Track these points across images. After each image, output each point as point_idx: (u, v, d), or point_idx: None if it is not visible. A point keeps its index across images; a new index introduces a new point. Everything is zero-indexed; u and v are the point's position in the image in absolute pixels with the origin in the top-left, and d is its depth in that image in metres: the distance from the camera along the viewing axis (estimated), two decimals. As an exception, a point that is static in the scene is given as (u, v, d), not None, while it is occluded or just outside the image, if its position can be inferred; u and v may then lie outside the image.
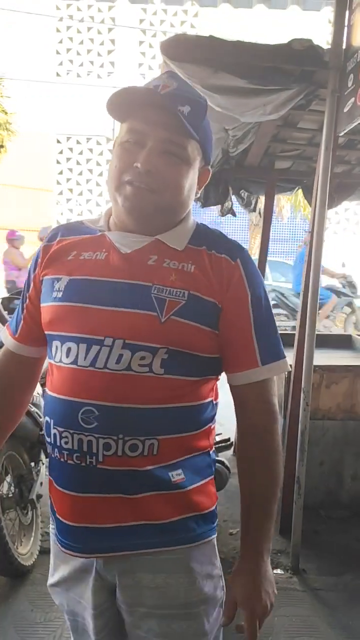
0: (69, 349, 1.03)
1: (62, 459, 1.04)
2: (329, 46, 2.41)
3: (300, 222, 15.15)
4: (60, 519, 1.07)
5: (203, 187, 1.15)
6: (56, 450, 1.04)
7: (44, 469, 2.73)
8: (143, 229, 1.06)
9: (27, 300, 1.17)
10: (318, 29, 14.41)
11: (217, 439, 2.94)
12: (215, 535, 1.13)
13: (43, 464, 2.73)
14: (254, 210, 4.54)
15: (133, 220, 1.06)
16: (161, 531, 1.04)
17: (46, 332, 1.09)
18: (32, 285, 1.16)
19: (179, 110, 1.01)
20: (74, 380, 1.02)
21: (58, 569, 1.15)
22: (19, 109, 13.22)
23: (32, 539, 2.61)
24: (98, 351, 1.00)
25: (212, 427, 1.13)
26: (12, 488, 2.53)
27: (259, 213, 4.69)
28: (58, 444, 1.03)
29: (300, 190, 4.39)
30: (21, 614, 2.26)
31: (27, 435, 2.56)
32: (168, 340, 1.00)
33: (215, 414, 1.14)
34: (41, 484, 2.68)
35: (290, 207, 13.67)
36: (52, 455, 1.07)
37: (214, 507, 1.12)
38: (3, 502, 2.37)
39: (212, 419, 1.13)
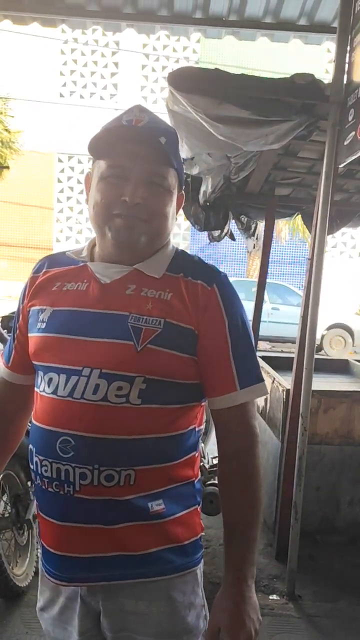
0: (50, 379, 1.05)
1: (43, 487, 1.06)
2: (329, 76, 2.49)
3: (298, 245, 15.29)
4: (44, 545, 1.09)
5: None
6: (38, 477, 1.07)
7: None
8: (127, 258, 1.08)
9: (18, 330, 1.20)
10: (316, 58, 14.72)
11: (214, 461, 2.95)
12: (199, 565, 1.12)
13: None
14: (253, 234, 4.61)
15: (121, 251, 1.08)
16: (138, 562, 1.04)
17: (32, 362, 1.12)
18: (21, 315, 1.19)
19: (158, 141, 1.04)
20: (53, 409, 1.04)
21: (43, 593, 1.16)
22: (22, 128, 13.40)
23: (27, 559, 2.59)
24: (76, 381, 1.01)
25: (195, 455, 1.13)
26: (9, 508, 2.52)
27: (256, 238, 4.76)
28: (39, 471, 1.05)
29: (299, 215, 4.47)
30: (16, 636, 2.24)
31: (24, 454, 2.55)
32: (144, 369, 1.01)
33: (198, 441, 1.14)
34: (38, 504, 2.67)
35: (288, 230, 13.81)
36: (35, 482, 1.09)
37: (196, 538, 1.12)
38: None
39: (195, 447, 1.13)
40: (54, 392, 1.04)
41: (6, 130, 13.04)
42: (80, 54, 17.68)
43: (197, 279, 1.08)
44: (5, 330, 3.60)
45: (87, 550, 1.03)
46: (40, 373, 1.09)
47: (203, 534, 1.15)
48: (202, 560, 1.15)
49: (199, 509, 1.14)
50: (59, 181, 17.88)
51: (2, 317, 4.11)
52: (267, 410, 3.24)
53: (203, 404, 1.14)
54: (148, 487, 1.04)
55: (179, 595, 1.08)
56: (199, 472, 1.16)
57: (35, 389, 1.12)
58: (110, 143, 1.06)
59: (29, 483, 2.65)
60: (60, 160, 17.80)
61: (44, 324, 1.08)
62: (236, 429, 1.08)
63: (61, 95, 17.61)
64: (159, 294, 1.06)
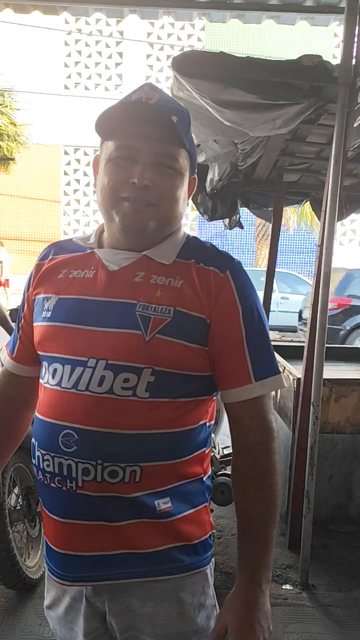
0: (55, 370, 1.01)
1: (45, 482, 1.02)
2: (336, 59, 2.43)
3: (306, 233, 15.18)
4: (47, 542, 1.06)
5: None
6: (40, 472, 1.03)
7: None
8: (136, 245, 1.04)
9: (22, 320, 1.16)
10: (323, 44, 14.54)
11: (225, 452, 2.94)
12: (209, 565, 1.08)
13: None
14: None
15: (129, 237, 1.04)
16: (146, 561, 1.00)
17: (37, 352, 1.08)
18: (26, 304, 1.14)
19: (170, 119, 0.99)
20: (57, 402, 1.00)
21: (50, 591, 1.13)
22: (28, 121, 13.37)
23: (39, 551, 2.60)
24: (81, 373, 0.97)
25: (205, 451, 1.08)
26: (20, 500, 2.52)
27: (269, 220, 4.69)
28: (41, 466, 1.01)
29: (307, 202, 4.41)
30: (29, 627, 2.24)
31: (35, 447, 2.56)
32: (153, 360, 0.96)
33: (208, 436, 1.09)
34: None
35: (296, 218, 13.71)
36: (38, 477, 1.05)
37: (206, 537, 1.07)
38: (11, 514, 2.36)
39: (205, 442, 1.07)
40: (58, 383, 1.00)
41: (12, 123, 13.01)
42: (84, 44, 17.57)
43: (210, 265, 1.03)
44: (15, 323, 3.60)
45: (91, 549, 0.99)
46: (45, 364, 1.05)
47: (214, 531, 1.11)
48: (213, 560, 1.10)
49: (208, 507, 1.10)
50: (66, 174, 17.85)
51: (11, 310, 4.12)
52: (278, 400, 3.22)
53: (214, 397, 1.09)
54: (155, 485, 0.99)
55: (188, 596, 1.03)
56: (209, 468, 1.11)
57: (40, 380, 1.08)
58: (118, 122, 1.01)
59: (38, 479, 2.65)
60: (66, 153, 17.76)
61: (49, 312, 1.04)
62: (251, 423, 1.03)
63: (66, 87, 17.54)
64: (168, 281, 1.01)
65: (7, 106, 13.03)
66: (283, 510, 3.01)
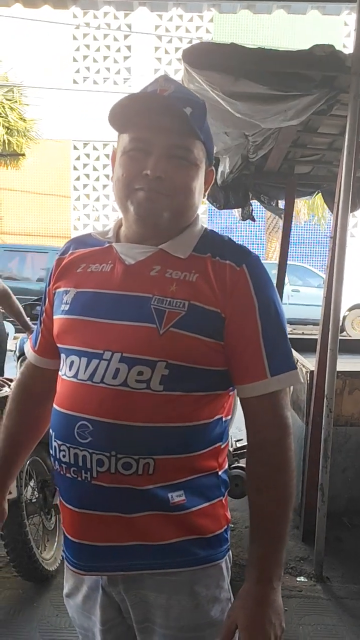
0: (72, 362, 1.03)
1: (61, 472, 1.03)
2: (347, 49, 2.41)
3: (317, 226, 15.07)
4: (65, 532, 1.08)
5: (209, 189, 1.14)
6: (57, 462, 1.04)
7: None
8: (152, 237, 1.04)
9: (44, 313, 1.18)
10: (333, 35, 14.37)
11: (238, 444, 2.94)
12: (224, 558, 1.08)
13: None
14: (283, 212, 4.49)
15: (145, 227, 1.04)
16: (159, 553, 1.00)
17: (56, 344, 1.10)
18: (47, 298, 1.16)
19: (183, 111, 0.99)
20: (73, 393, 1.02)
21: (68, 580, 1.14)
22: (37, 117, 13.37)
23: (55, 544, 2.63)
24: (97, 365, 0.99)
25: (221, 446, 1.07)
26: (36, 493, 2.55)
27: (280, 216, 4.67)
28: (58, 456, 1.03)
29: (319, 194, 4.38)
30: (46, 619, 2.27)
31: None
32: (167, 354, 0.97)
33: (224, 431, 1.08)
34: (64, 489, 2.69)
35: (307, 210, 13.61)
36: (55, 468, 1.07)
37: (221, 531, 1.07)
38: (27, 507, 2.39)
39: (220, 437, 1.07)
40: (75, 375, 1.02)
41: (22, 119, 13.02)
42: (92, 38, 17.51)
43: (226, 259, 1.02)
44: (29, 318, 3.63)
45: (106, 539, 1.00)
46: (63, 356, 1.07)
47: (231, 525, 1.11)
48: (229, 554, 1.10)
49: (224, 501, 1.09)
50: (75, 169, 17.86)
51: (25, 305, 4.14)
52: (291, 393, 3.21)
53: (231, 393, 1.08)
54: (168, 478, 0.99)
55: (202, 589, 1.03)
56: (226, 462, 1.10)
57: (59, 372, 1.09)
58: (133, 115, 1.01)
59: (55, 470, 2.67)
60: (75, 148, 17.76)
61: (67, 305, 1.06)
62: (266, 419, 1.02)
63: (75, 82, 17.51)
64: (184, 275, 1.01)
65: (16, 101, 13.03)
66: (297, 503, 3.01)
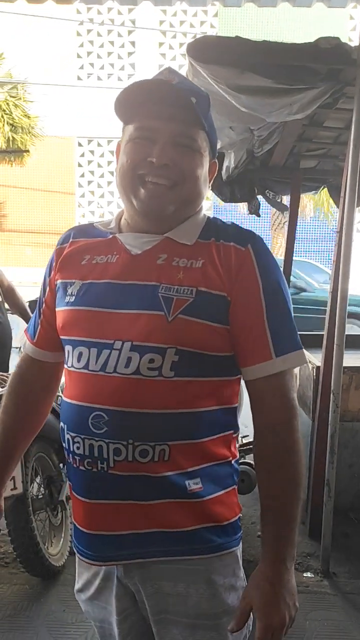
0: (80, 354, 1.02)
1: (74, 465, 1.03)
2: (353, 43, 2.38)
3: (323, 221, 15.01)
4: (77, 525, 1.07)
5: (213, 181, 1.13)
6: (70, 455, 1.04)
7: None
8: (157, 227, 1.05)
9: (44, 304, 1.16)
10: (338, 30, 14.27)
11: (244, 440, 2.93)
12: (238, 546, 1.09)
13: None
14: (287, 209, 4.47)
15: (150, 221, 1.05)
16: (177, 540, 1.01)
17: (60, 337, 1.09)
18: (47, 288, 1.15)
19: (189, 100, 0.99)
20: (84, 385, 1.01)
21: (81, 575, 1.14)
22: (41, 113, 13.36)
23: (62, 539, 2.63)
24: (108, 355, 0.99)
25: (233, 434, 1.08)
26: (42, 489, 2.55)
27: (282, 212, 4.65)
28: (71, 449, 1.03)
29: (325, 189, 4.35)
30: (53, 614, 2.28)
31: (56, 437, 2.57)
32: (176, 340, 0.97)
33: (235, 419, 1.09)
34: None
35: (313, 205, 13.55)
36: (68, 461, 1.06)
37: (235, 519, 1.08)
38: (33, 503, 2.40)
39: (231, 425, 1.07)
40: (85, 366, 1.01)
41: (26, 115, 13.01)
42: (96, 34, 17.46)
43: (230, 241, 1.03)
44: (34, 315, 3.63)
45: (122, 527, 1.01)
46: (69, 348, 1.06)
47: (241, 515, 1.11)
48: (241, 542, 1.11)
49: (236, 489, 1.11)
50: (80, 165, 17.85)
51: (30, 301, 4.15)
52: (297, 388, 3.20)
53: (240, 379, 1.08)
54: (183, 464, 1.00)
55: (219, 578, 1.04)
56: (237, 452, 1.11)
57: (65, 365, 1.09)
58: (138, 104, 1.02)
59: (61, 465, 2.68)
60: (80, 145, 17.74)
61: (73, 297, 1.05)
62: (272, 401, 1.02)
63: (79, 78, 17.48)
64: (190, 262, 1.01)
65: (20, 98, 13.03)
66: (303, 498, 3.00)
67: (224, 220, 1.11)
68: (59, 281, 1.10)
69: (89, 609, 1.15)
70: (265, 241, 1.08)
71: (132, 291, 1.01)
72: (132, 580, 1.06)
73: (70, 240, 1.13)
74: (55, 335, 1.11)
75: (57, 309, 1.10)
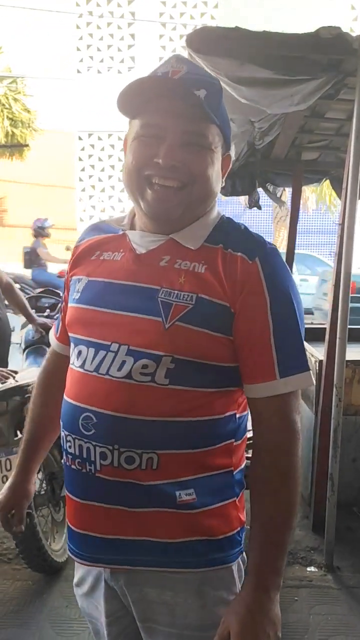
0: (79, 352, 1.01)
1: (67, 463, 1.03)
2: (355, 33, 2.34)
3: (326, 214, 14.95)
4: (69, 523, 1.07)
5: (226, 176, 1.08)
6: (64, 453, 1.04)
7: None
8: (164, 229, 1.01)
9: (63, 301, 1.17)
10: (340, 15, 14.17)
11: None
12: (236, 561, 1.03)
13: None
14: (284, 203, 4.45)
15: (157, 223, 1.01)
16: (166, 551, 0.97)
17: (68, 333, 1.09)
18: (65, 285, 1.16)
19: (196, 95, 0.94)
20: (79, 384, 1.00)
21: (78, 570, 1.14)
22: (41, 108, 13.32)
23: (64, 535, 2.63)
24: (104, 357, 0.97)
25: (234, 443, 1.02)
26: (44, 485, 2.55)
27: (280, 206, 4.63)
28: (65, 447, 1.03)
29: (327, 182, 4.32)
30: (56, 610, 2.28)
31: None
32: (173, 348, 0.93)
33: (238, 428, 1.03)
34: (72, 481, 2.69)
35: (315, 198, 13.49)
36: (63, 458, 1.06)
37: (233, 533, 1.02)
38: (35, 499, 2.39)
39: (232, 434, 1.01)
40: (82, 365, 1.00)
41: (25, 110, 12.97)
42: (96, 27, 17.36)
43: (238, 251, 0.97)
44: (34, 310, 3.63)
45: (110, 531, 0.99)
46: (72, 345, 1.06)
47: (248, 527, 1.04)
48: (242, 556, 1.05)
49: (238, 502, 1.04)
50: (80, 159, 17.79)
51: (30, 297, 4.14)
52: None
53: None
54: (175, 474, 0.96)
55: (209, 589, 1.00)
56: (243, 461, 1.06)
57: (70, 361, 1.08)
58: (143, 99, 0.96)
59: (62, 461, 2.67)
60: (80, 139, 17.67)
61: (79, 294, 1.05)
62: (272, 422, 0.97)
63: (78, 72, 17.39)
64: (193, 266, 0.97)
65: (19, 92, 12.98)
66: (307, 493, 3.00)
67: (237, 223, 1.06)
68: (72, 278, 1.10)
69: (84, 605, 1.15)
70: (267, 236, 1.03)
71: (133, 293, 0.98)
72: (118, 583, 1.03)
73: (86, 238, 1.12)
74: None
75: (68, 305, 1.10)
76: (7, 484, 1.25)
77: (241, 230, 1.03)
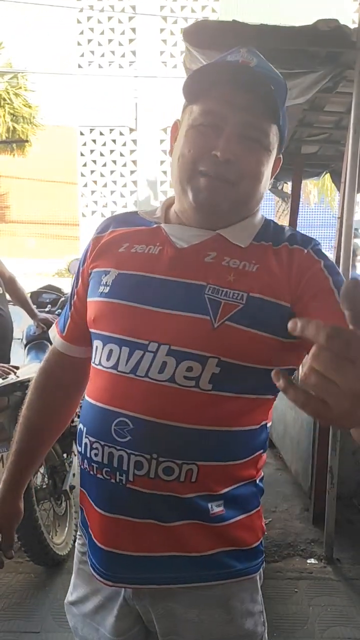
0: (110, 351, 0.93)
1: (91, 472, 0.94)
2: (355, 25, 2.34)
3: (327, 207, 14.91)
4: (92, 537, 0.97)
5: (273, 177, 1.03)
6: (85, 461, 0.95)
7: (76, 460, 2.77)
8: (210, 223, 0.95)
9: (75, 296, 1.08)
10: (340, 7, 14.07)
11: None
12: (259, 571, 1.01)
13: (75, 455, 2.76)
14: (289, 197, 4.45)
15: (202, 215, 0.95)
16: (194, 565, 0.92)
17: (90, 330, 1.00)
18: (80, 279, 1.06)
19: (271, 88, 0.87)
20: (112, 386, 0.92)
21: (77, 588, 1.06)
22: (42, 103, 13.30)
23: (66, 528, 2.66)
24: (141, 357, 0.89)
25: (262, 454, 0.99)
26: (46, 479, 2.57)
27: (284, 200, 4.62)
28: (88, 455, 0.94)
29: (328, 175, 4.32)
30: (58, 602, 2.30)
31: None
32: (220, 350, 0.87)
33: (267, 438, 1.00)
34: (74, 475, 2.71)
35: (317, 192, 13.45)
36: (82, 467, 0.98)
37: (257, 543, 0.99)
38: (37, 493, 2.41)
39: (263, 444, 0.99)
40: (114, 366, 0.91)
41: (27, 105, 12.95)
42: (96, 21, 17.28)
43: (293, 244, 0.94)
44: (35, 306, 3.64)
45: (136, 549, 0.91)
46: (98, 343, 0.96)
47: (265, 534, 1.04)
48: (263, 566, 1.03)
49: (260, 511, 1.02)
50: (82, 155, 17.76)
51: (31, 292, 4.14)
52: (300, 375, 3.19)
53: (276, 397, 0.99)
54: (210, 487, 0.91)
55: (237, 603, 0.96)
56: (262, 470, 1.03)
57: (92, 362, 0.99)
58: (208, 85, 0.90)
59: (64, 455, 2.69)
60: (82, 134, 17.64)
61: (107, 287, 0.95)
62: None
63: (79, 66, 17.34)
64: (243, 264, 0.91)
65: (21, 87, 12.96)
66: (307, 485, 3.01)
67: (282, 225, 1.02)
68: (93, 270, 1.01)
69: (78, 626, 1.05)
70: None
71: (174, 288, 0.91)
72: (142, 602, 0.97)
73: (110, 229, 1.04)
74: (86, 329, 1.02)
75: (89, 300, 1.00)
76: None
77: (288, 229, 1.00)
